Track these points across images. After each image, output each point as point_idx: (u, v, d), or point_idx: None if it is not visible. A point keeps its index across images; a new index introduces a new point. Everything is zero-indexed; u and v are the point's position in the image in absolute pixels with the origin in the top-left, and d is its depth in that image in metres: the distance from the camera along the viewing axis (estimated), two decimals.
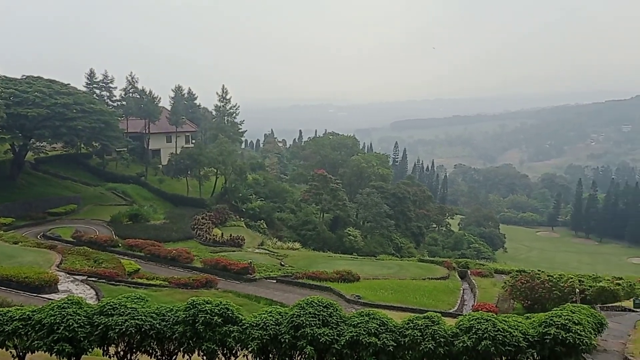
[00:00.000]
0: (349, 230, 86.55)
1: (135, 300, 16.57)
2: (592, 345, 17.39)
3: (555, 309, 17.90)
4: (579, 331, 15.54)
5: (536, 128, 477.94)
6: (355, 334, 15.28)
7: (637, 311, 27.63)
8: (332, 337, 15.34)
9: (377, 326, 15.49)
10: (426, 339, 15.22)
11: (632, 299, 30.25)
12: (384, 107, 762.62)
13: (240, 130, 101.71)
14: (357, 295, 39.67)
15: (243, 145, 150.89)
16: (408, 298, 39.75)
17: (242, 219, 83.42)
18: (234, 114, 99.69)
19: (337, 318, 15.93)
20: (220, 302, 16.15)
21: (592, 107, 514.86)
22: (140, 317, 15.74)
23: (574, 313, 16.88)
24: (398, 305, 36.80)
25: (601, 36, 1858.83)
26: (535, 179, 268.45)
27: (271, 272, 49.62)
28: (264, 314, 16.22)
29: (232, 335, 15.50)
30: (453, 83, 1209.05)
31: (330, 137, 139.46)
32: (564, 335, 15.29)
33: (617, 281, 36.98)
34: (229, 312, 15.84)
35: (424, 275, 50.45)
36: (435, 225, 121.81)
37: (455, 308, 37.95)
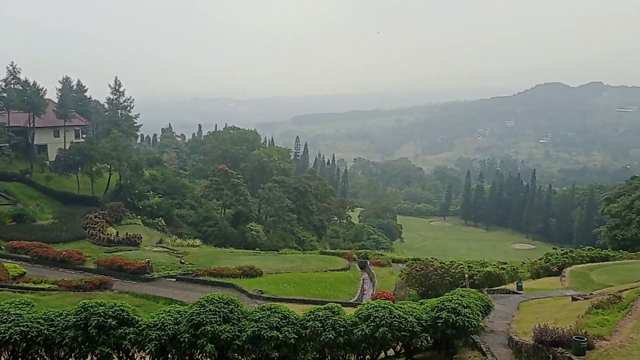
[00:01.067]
0: (252, 226, 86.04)
1: (19, 306, 15.46)
2: (480, 327, 18.60)
3: (446, 294, 18.98)
4: (467, 314, 16.56)
5: (429, 123, 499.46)
6: (257, 329, 15.26)
7: (520, 293, 29.67)
8: (233, 334, 15.20)
9: (279, 320, 15.57)
10: (327, 330, 15.53)
11: (515, 282, 32.57)
12: (285, 101, 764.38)
13: (135, 124, 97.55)
14: (259, 290, 39.61)
15: (139, 140, 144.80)
16: (310, 290, 40.28)
17: (139, 217, 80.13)
18: (129, 107, 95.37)
19: (238, 314, 15.80)
20: (115, 304, 15.46)
21: (479, 103, 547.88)
22: (25, 323, 14.69)
23: (463, 297, 17.99)
24: (300, 298, 37.17)
25: (482, 40, 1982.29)
26: (429, 171, 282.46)
27: (170, 270, 48.24)
28: (161, 313, 15.74)
29: (128, 337, 14.90)
30: (352, 79, 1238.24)
31: (231, 131, 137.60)
32: (454, 319, 16.23)
33: (502, 266, 39.77)
34: (124, 314, 15.21)
35: (325, 268, 51.33)
36: (336, 218, 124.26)
37: (356, 298, 39.00)
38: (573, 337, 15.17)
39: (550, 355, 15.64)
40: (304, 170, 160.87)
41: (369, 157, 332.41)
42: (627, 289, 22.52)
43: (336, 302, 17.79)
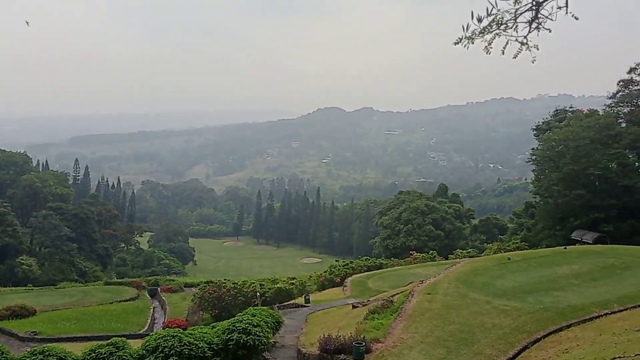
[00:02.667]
0: (22, 259, 76.58)
1: None
2: (271, 344, 19.12)
3: (239, 314, 19.11)
4: (258, 333, 16.90)
5: (220, 144, 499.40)
6: None
7: (308, 306, 31.21)
8: None
9: None
10: None
11: (304, 296, 34.23)
12: (62, 120, 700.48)
13: None
14: (32, 332, 35.20)
15: None
16: (94, 326, 37.10)
17: None
18: None
19: None
20: None
21: (267, 125, 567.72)
22: None
23: (254, 316, 18.32)
24: (82, 335, 33.99)
25: (272, 65, 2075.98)
26: (221, 192, 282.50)
27: None
28: None
29: None
30: (137, 98, 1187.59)
31: None
32: (245, 339, 16.43)
33: (291, 281, 41.59)
34: None
35: (111, 299, 47.88)
36: (123, 245, 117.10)
37: (146, 328, 37.06)
38: (353, 343, 16.49)
39: None
40: (85, 195, 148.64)
41: (158, 179, 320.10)
42: (397, 293, 25.20)
43: (123, 336, 16.69)
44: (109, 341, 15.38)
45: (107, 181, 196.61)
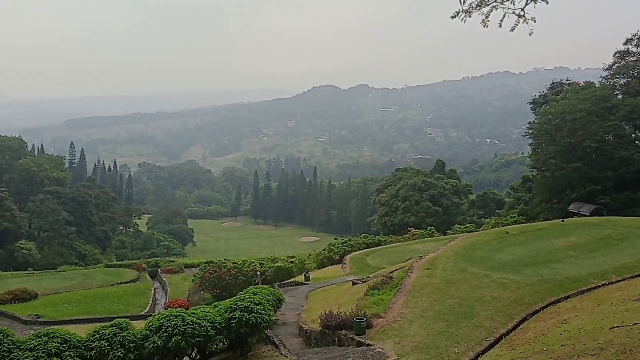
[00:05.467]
0: (22, 243, 76.73)
1: None
2: (273, 321, 19.32)
3: (239, 293, 19.24)
4: (259, 311, 17.04)
5: (215, 125, 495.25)
6: (33, 358, 13.67)
7: (308, 284, 31.43)
8: None
9: (58, 345, 14.19)
10: (115, 348, 14.61)
11: (303, 274, 34.41)
12: (56, 104, 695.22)
13: None
14: (35, 315, 35.51)
15: None
16: (95, 308, 37.40)
17: None
18: None
19: (8, 345, 13.99)
20: None
21: (262, 104, 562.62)
22: None
23: (255, 294, 18.44)
24: (84, 317, 34.31)
25: (262, 44, 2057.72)
26: (218, 173, 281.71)
27: None
28: None
29: None
30: (131, 79, 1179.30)
31: None
32: (247, 317, 16.57)
33: (291, 260, 41.79)
34: None
35: (112, 281, 48.23)
36: (122, 228, 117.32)
37: (147, 309, 37.37)
38: (354, 319, 16.68)
39: (336, 339, 17.00)
40: (82, 178, 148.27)
41: (154, 161, 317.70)
42: (397, 269, 25.37)
43: (125, 317, 16.83)
44: (112, 322, 15.50)
45: (103, 164, 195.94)
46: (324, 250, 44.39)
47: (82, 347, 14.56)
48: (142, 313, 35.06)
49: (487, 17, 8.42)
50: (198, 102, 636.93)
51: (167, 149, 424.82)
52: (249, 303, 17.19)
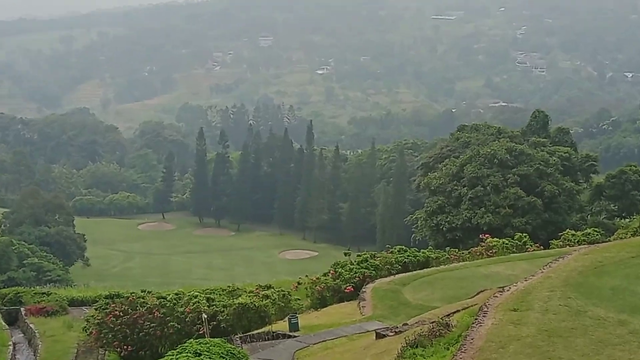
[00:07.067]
0: None
1: None
2: None
3: (170, 352, 14.20)
4: None
5: (126, 42, 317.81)
6: None
7: (295, 336, 21.63)
8: None
9: None
10: None
11: (287, 318, 23.99)
12: None
13: None
14: None
15: None
16: None
17: None
18: None
19: None
20: None
21: (213, 6, 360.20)
22: None
23: (199, 356, 13.65)
24: None
25: None
26: (131, 132, 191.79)
27: None
28: None
29: None
30: None
31: None
32: None
33: (264, 292, 29.88)
34: None
35: None
36: None
37: None
38: None
39: None
40: None
41: (15, 110, 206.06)
42: (457, 310, 18.60)
43: None
44: None
45: None
46: (324, 275, 32.27)
47: None
48: None
49: None
50: (93, 3, 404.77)
51: (37, 88, 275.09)
52: None
